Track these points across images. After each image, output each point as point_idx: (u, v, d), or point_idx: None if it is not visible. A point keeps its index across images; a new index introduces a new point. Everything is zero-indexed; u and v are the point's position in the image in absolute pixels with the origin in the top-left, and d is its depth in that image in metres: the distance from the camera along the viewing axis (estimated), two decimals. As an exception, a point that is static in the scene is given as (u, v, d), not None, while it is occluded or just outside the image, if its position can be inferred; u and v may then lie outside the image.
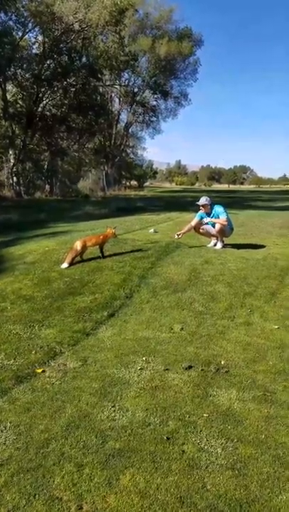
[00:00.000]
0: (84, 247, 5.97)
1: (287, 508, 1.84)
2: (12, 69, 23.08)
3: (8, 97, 23.85)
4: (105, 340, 3.67)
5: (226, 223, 6.92)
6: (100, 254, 6.17)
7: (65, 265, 5.74)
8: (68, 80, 24.38)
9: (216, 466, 2.08)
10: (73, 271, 5.58)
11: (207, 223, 7.11)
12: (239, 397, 2.72)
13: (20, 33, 22.88)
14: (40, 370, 3.10)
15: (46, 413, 2.53)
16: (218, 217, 6.97)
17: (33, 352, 3.42)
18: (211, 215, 7.07)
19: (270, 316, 4.26)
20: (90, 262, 5.95)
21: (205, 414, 2.51)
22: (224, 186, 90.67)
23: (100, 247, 6.18)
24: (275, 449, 2.22)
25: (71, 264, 5.80)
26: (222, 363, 3.22)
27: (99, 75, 26.71)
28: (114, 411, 2.54)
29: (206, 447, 2.22)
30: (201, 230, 7.28)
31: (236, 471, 2.05)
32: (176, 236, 7.29)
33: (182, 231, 7.32)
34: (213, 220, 6.98)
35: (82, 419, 2.46)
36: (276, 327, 3.97)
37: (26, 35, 23.55)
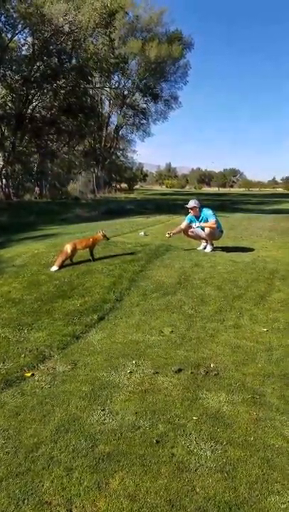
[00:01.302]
0: (74, 250, 5.96)
1: (275, 510, 1.85)
2: (1, 70, 22.91)
3: (-2, 98, 23.72)
4: (95, 344, 3.67)
5: (214, 226, 6.96)
6: (90, 257, 6.16)
7: (54, 268, 5.72)
8: (58, 82, 24.29)
9: (205, 469, 2.09)
10: (63, 274, 5.57)
11: (197, 227, 7.16)
12: (228, 400, 2.73)
13: (9, 35, 22.74)
14: (29, 374, 3.09)
15: (35, 417, 2.52)
16: (207, 220, 7.01)
17: (22, 355, 3.40)
18: (200, 217, 7.11)
19: (259, 318, 4.29)
20: (79, 265, 5.94)
21: (194, 417, 2.52)
22: (214, 189, 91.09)
23: (90, 250, 6.18)
24: (263, 451, 2.24)
25: (61, 267, 5.78)
26: (211, 365, 3.23)
27: (89, 77, 26.67)
28: (104, 414, 2.54)
29: (195, 450, 2.23)
30: (190, 233, 7.32)
31: (225, 474, 2.06)
32: (167, 235, 7.39)
33: (173, 231, 7.42)
34: (202, 224, 7.03)
35: (72, 422, 2.46)
36: (265, 330, 4.00)
37: (16, 37, 23.44)
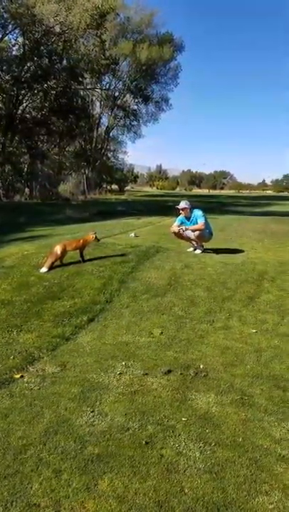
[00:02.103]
0: (64, 252, 5.94)
1: (263, 511, 1.87)
2: (-9, 70, 22.85)
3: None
4: (85, 345, 3.66)
5: (203, 227, 6.98)
6: (80, 259, 6.15)
7: (44, 269, 5.69)
8: (49, 83, 24.23)
9: (194, 470, 2.10)
10: (53, 275, 5.55)
11: (184, 231, 7.17)
12: (217, 401, 2.75)
13: (0, 35, 22.68)
14: (18, 376, 3.07)
15: (24, 419, 2.51)
16: (197, 221, 7.04)
17: (11, 357, 3.38)
18: (191, 218, 7.13)
19: (248, 320, 4.32)
20: (69, 267, 5.92)
21: (183, 418, 2.53)
22: (204, 191, 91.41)
23: (80, 252, 6.16)
24: (252, 451, 2.25)
25: (50, 268, 5.76)
26: (201, 367, 3.25)
27: (80, 78, 26.68)
28: (93, 416, 2.54)
29: (184, 451, 2.24)
30: (180, 232, 7.33)
31: (214, 475, 2.07)
32: (180, 230, 7.14)
33: (180, 227, 7.10)
34: (190, 227, 7.05)
35: (61, 424, 2.45)
36: (254, 331, 4.03)
37: (6, 37, 23.38)
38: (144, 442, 2.29)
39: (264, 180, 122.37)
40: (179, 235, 7.38)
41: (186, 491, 1.96)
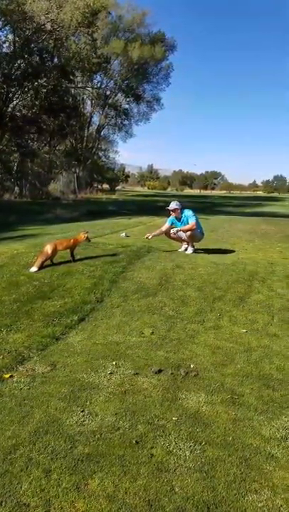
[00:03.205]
0: (54, 251, 5.91)
1: (253, 509, 1.88)
2: (-19, 67, 22.65)
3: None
4: (75, 345, 3.65)
5: (194, 227, 7.01)
6: (71, 258, 6.13)
7: (34, 269, 5.66)
8: (39, 81, 24.10)
9: (184, 469, 2.10)
10: (43, 275, 5.52)
11: (176, 232, 7.21)
12: (207, 400, 2.76)
13: (-10, 31, 22.50)
14: (7, 376, 3.05)
15: (14, 419, 2.49)
16: (188, 221, 7.06)
17: (1, 357, 3.35)
18: (181, 219, 7.15)
19: (239, 320, 4.35)
20: (60, 266, 5.90)
21: (174, 418, 2.54)
22: (196, 191, 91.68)
23: (70, 251, 6.14)
24: (242, 450, 2.27)
25: (41, 267, 5.73)
26: (191, 366, 3.26)
27: (71, 77, 26.57)
28: (84, 416, 2.53)
29: (174, 450, 2.24)
30: (172, 235, 7.36)
31: (204, 474, 2.08)
32: (147, 237, 7.41)
33: (152, 233, 7.44)
34: (182, 228, 7.07)
35: (51, 424, 2.44)
36: (244, 331, 4.05)
37: (-4, 34, 23.17)
38: (134, 442, 2.29)
39: (255, 181, 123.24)
40: (170, 235, 7.40)
41: (177, 490, 1.96)
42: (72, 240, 6.15)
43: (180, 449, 2.25)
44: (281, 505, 1.89)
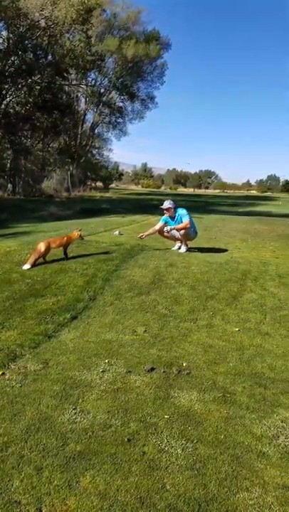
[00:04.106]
0: (48, 249, 5.89)
1: (244, 506, 1.89)
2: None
3: None
4: (68, 343, 3.64)
5: (188, 226, 7.02)
6: (64, 256, 6.11)
7: (27, 266, 5.64)
8: (33, 78, 23.96)
9: (176, 467, 2.11)
10: (36, 272, 5.50)
11: (170, 230, 7.21)
12: (200, 399, 2.77)
13: (-17, 28, 22.32)
14: (-1, 373, 3.04)
15: (5, 416, 2.48)
16: (182, 220, 7.07)
17: (-7, 355, 3.34)
18: (175, 218, 7.16)
19: (231, 318, 4.36)
20: (53, 264, 5.88)
21: (166, 416, 2.54)
22: (190, 190, 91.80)
23: (63, 249, 6.12)
24: (233, 448, 2.28)
25: (34, 265, 5.71)
26: (184, 364, 3.26)
27: (65, 74, 26.42)
28: (76, 413, 2.53)
29: (166, 448, 2.25)
30: (165, 234, 7.36)
31: (195, 471, 2.08)
32: (139, 236, 7.41)
33: (145, 233, 7.43)
34: (176, 227, 7.08)
35: (43, 422, 2.43)
36: (237, 329, 4.07)
37: (-10, 30, 23.00)
38: (126, 439, 2.29)
39: (248, 181, 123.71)
40: (163, 234, 7.40)
41: (168, 487, 1.97)
42: (65, 238, 6.13)
43: (172, 447, 2.25)
44: (272, 503, 1.90)
